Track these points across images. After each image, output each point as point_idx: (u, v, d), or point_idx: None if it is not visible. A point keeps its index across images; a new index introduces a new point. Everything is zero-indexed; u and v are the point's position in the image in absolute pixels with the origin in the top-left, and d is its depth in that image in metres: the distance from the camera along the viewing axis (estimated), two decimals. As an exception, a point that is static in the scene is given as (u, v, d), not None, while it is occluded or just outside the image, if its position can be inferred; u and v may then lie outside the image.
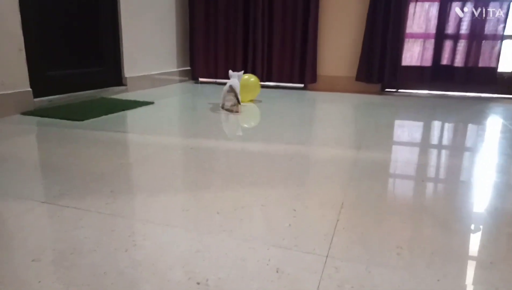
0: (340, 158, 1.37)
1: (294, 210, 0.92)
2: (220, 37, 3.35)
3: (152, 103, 2.36)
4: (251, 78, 2.48)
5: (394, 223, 0.87)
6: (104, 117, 1.94)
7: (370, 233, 0.82)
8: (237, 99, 2.11)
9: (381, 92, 3.14)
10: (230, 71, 2.29)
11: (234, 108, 2.13)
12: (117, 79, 2.76)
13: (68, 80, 2.36)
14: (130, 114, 2.05)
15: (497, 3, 2.73)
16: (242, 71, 2.35)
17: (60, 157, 1.29)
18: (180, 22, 3.39)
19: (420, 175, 1.22)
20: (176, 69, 3.41)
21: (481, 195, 1.06)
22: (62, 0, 2.29)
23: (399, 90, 3.17)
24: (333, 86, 3.18)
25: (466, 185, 1.14)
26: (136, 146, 1.46)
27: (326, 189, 1.06)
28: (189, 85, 3.35)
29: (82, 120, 1.86)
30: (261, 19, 3.15)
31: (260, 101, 2.58)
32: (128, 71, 2.80)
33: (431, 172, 1.25)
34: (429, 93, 3.08)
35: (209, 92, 2.99)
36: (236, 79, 2.22)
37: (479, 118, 2.21)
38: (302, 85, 3.30)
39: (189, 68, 3.57)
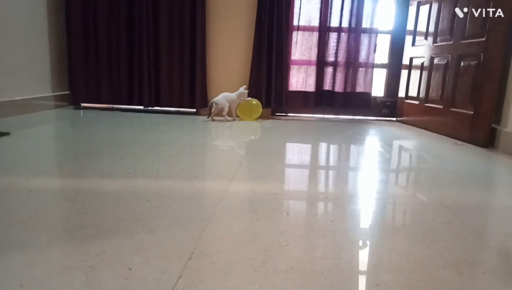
0: (207, 193, 1.26)
1: (130, 269, 0.76)
2: (102, 59, 3.08)
3: (7, 134, 2.01)
4: (253, 101, 2.92)
5: (244, 273, 0.77)
6: None
7: (213, 290, 0.71)
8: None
9: (272, 116, 3.19)
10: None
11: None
12: (-34, 106, 2.32)
13: None
14: (-30, 149, 1.69)
15: (367, 35, 2.99)
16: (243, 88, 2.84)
17: None
18: (54, 41, 3.04)
19: (286, 208, 1.16)
20: (51, 94, 3.03)
21: (342, 230, 1.04)
22: None
23: (288, 114, 3.25)
24: (225, 111, 3.12)
25: (335, 221, 1.11)
26: (-44, 193, 1.16)
27: (178, 236, 0.92)
28: (68, 111, 3.00)
29: None
30: (146, 41, 2.98)
31: (147, 129, 2.38)
32: (-18, 96, 2.38)
33: (298, 205, 1.21)
34: (315, 117, 3.22)
35: (89, 118, 2.70)
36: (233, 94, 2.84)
37: (355, 140, 2.33)
38: (194, 110, 3.19)
39: (68, 92, 3.21)
